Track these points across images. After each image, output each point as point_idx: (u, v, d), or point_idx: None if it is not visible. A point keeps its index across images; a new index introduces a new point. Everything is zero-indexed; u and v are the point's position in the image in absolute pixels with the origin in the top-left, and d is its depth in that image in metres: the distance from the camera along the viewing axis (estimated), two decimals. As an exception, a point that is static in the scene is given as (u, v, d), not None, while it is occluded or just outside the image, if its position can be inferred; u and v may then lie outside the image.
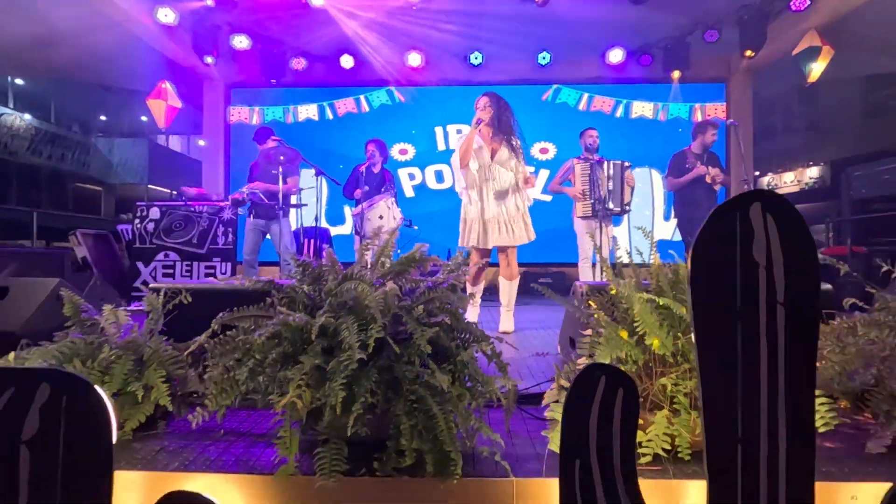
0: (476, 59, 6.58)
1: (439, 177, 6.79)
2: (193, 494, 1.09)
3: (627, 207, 4.37)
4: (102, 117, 15.36)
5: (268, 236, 4.56)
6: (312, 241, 5.63)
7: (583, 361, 1.43)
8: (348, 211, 6.79)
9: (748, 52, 5.58)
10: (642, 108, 6.72)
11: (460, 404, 1.22)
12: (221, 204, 4.28)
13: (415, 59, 6.55)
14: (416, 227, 4.89)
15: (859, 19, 4.99)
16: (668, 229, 6.68)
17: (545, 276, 6.50)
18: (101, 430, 1.09)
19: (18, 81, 13.05)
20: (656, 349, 1.29)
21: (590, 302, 1.57)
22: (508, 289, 3.37)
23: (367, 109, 6.89)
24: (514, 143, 3.39)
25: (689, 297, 1.11)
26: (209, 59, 5.95)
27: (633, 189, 4.40)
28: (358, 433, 1.11)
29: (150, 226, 4.63)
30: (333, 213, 6.81)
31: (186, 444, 1.36)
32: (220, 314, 1.37)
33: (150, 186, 14.79)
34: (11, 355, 1.33)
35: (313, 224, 4.93)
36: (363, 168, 4.31)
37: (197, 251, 4.61)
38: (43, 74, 9.66)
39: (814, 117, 5.35)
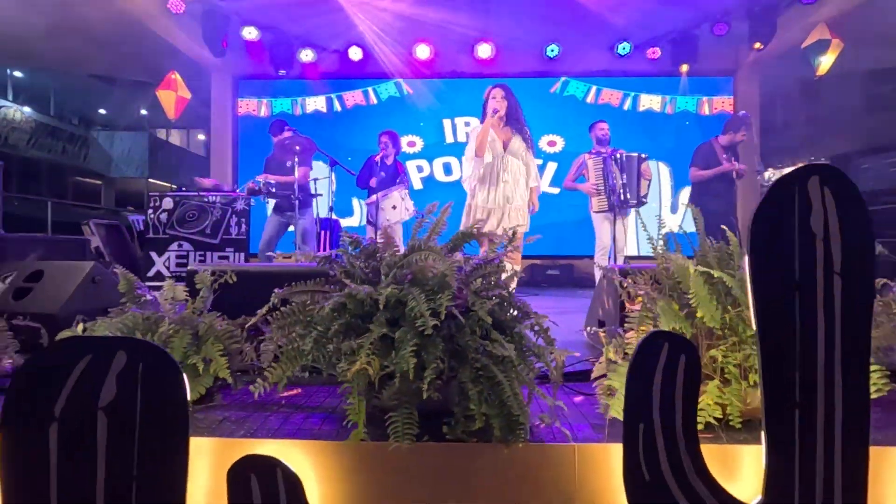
0: (484, 51, 6.60)
1: (447, 169, 6.81)
2: (268, 458, 1.12)
3: (644, 199, 4.41)
4: (102, 111, 15.27)
5: (291, 228, 4.58)
6: (327, 232, 5.66)
7: (631, 335, 1.46)
8: (356, 203, 6.82)
9: (757, 45, 5.62)
10: (650, 101, 6.76)
11: (521, 373, 1.26)
12: (235, 194, 4.29)
13: (423, 51, 6.56)
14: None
15: (867, 13, 5.03)
16: (674, 222, 6.73)
17: (553, 268, 6.54)
18: (177, 396, 1.11)
19: (17, 74, 12.97)
20: (707, 322, 1.33)
21: (632, 279, 1.61)
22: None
23: (376, 102, 6.90)
24: (526, 133, 3.44)
25: (748, 268, 1.15)
26: (220, 50, 5.92)
27: (649, 182, 4.44)
28: (427, 400, 1.14)
29: (164, 216, 4.63)
30: (342, 206, 6.82)
31: (247, 414, 1.39)
32: (277, 290, 1.40)
33: (150, 180, 14.74)
34: (80, 326, 1.35)
35: (328, 216, 4.96)
36: (377, 158, 4.35)
37: (210, 241, 4.62)
38: (48, 66, 9.59)
39: (820, 110, 5.39)
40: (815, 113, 4.57)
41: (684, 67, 6.36)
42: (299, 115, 6.88)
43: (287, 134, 4.38)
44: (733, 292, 1.37)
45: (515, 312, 1.44)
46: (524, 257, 6.86)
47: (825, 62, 5.36)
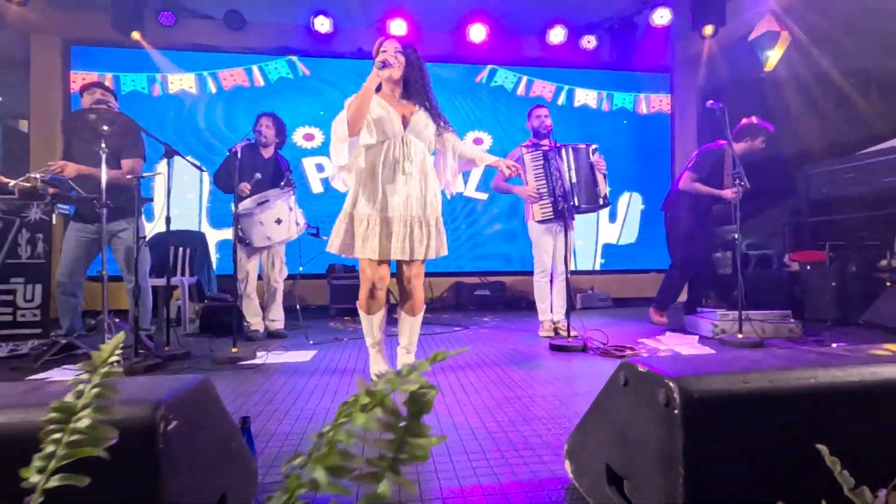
0: (397, 28, 5.50)
1: (355, 169, 5.60)
2: None
3: (605, 201, 3.52)
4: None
5: (112, 246, 3.10)
6: (187, 250, 4.21)
7: None
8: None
9: (707, 29, 5.03)
10: (585, 96, 6.02)
11: None
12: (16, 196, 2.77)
13: (322, 23, 5.33)
14: (325, 238, 3.69)
15: (818, 6, 4.58)
16: (612, 232, 6.05)
17: (481, 286, 5.57)
18: None
19: None
20: None
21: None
22: (409, 325, 2.34)
23: (262, 83, 5.53)
24: (436, 111, 2.28)
25: None
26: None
27: (605, 176, 3.55)
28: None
29: None
30: (217, 212, 5.36)
31: None
32: None
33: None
34: None
35: (186, 227, 3.55)
36: (237, 148, 3.03)
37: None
38: None
39: (764, 111, 4.85)
40: (761, 114, 3.87)
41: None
42: (159, 97, 5.32)
43: (88, 103, 2.94)
44: None
45: None
46: (447, 275, 5.91)
47: (773, 56, 4.88)
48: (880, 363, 0.88)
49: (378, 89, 2.19)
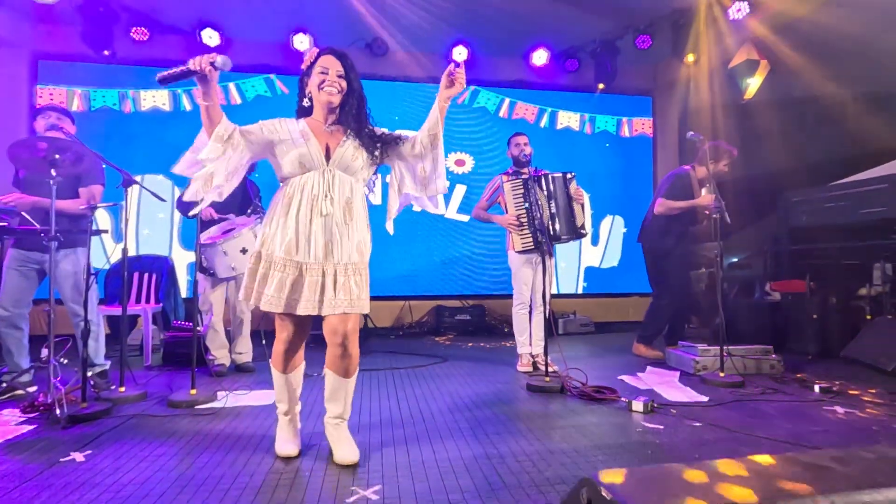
0: (379, 48, 5.42)
1: (333, 189, 5.47)
2: None
3: (583, 231, 3.44)
4: None
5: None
6: (152, 275, 4.03)
7: None
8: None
9: (689, 57, 5.04)
10: (568, 119, 5.99)
11: None
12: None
13: (301, 41, 5.22)
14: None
15: (797, 34, 4.61)
16: (595, 255, 5.99)
17: (462, 311, 5.44)
18: None
19: None
20: None
21: None
22: (342, 389, 1.89)
23: (240, 101, 5.39)
24: (368, 133, 1.91)
25: None
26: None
27: (583, 206, 3.48)
28: None
29: None
30: (190, 233, 5.18)
31: None
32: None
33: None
34: None
35: (156, 248, 3.39)
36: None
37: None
38: None
39: (743, 137, 4.86)
40: (737, 139, 3.86)
41: (601, 86, 5.68)
42: (130, 113, 5.15)
43: (43, 126, 2.79)
44: None
45: None
46: (427, 298, 5.78)
47: (753, 84, 4.89)
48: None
49: (306, 113, 1.92)
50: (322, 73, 1.84)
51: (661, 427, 2.26)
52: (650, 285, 4.11)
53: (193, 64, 1.64)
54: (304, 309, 1.77)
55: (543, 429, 2.25)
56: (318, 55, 1.86)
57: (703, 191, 3.83)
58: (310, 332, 2.00)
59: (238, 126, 1.81)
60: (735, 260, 5.23)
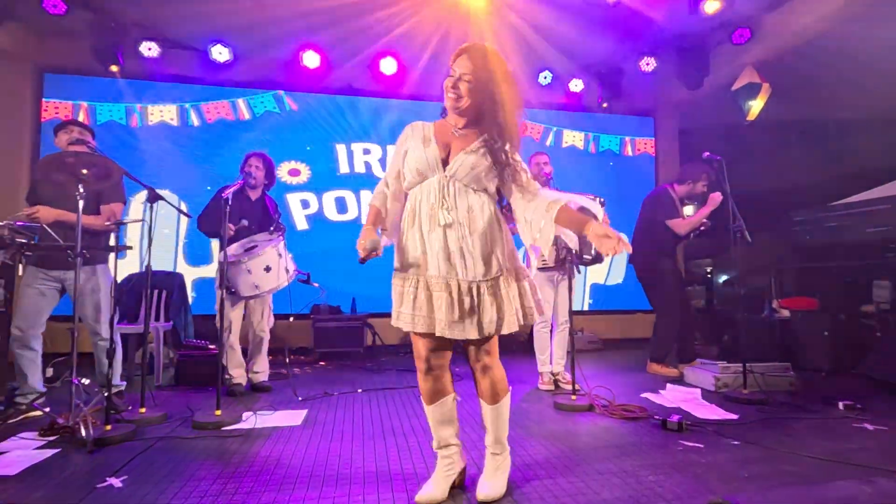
0: (388, 67, 5.46)
1: (341, 205, 5.46)
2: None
3: (602, 256, 3.47)
4: None
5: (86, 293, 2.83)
6: (163, 292, 3.95)
7: None
8: (216, 247, 5.17)
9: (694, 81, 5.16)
10: (573, 138, 6.08)
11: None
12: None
13: (312, 59, 5.24)
14: (316, 285, 3.51)
15: (799, 58, 4.76)
16: (600, 273, 6.03)
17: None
18: None
19: None
20: None
21: None
22: (490, 416, 1.74)
23: (248, 117, 5.37)
24: (499, 138, 1.69)
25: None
26: None
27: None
28: None
29: None
30: (195, 249, 5.11)
31: None
32: None
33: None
34: None
35: (161, 265, 3.31)
36: (229, 192, 2.84)
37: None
38: None
39: (742, 157, 4.96)
40: (737, 158, 3.96)
41: (604, 104, 5.81)
42: (137, 128, 5.10)
43: (65, 141, 2.75)
44: None
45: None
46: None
47: (756, 106, 5.02)
48: None
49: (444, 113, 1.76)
50: (451, 78, 1.67)
51: (702, 446, 2.25)
52: (650, 304, 4.19)
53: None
54: (440, 330, 1.59)
55: (584, 449, 2.23)
56: (455, 59, 1.69)
57: (684, 209, 4.04)
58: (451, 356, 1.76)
59: (387, 190, 1.77)
60: (735, 274, 5.30)
